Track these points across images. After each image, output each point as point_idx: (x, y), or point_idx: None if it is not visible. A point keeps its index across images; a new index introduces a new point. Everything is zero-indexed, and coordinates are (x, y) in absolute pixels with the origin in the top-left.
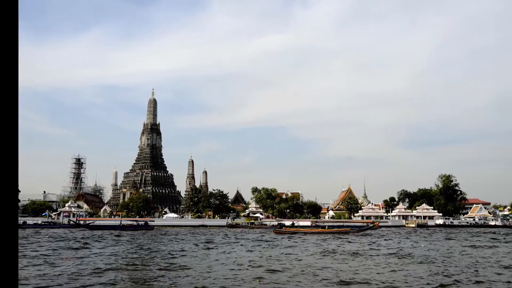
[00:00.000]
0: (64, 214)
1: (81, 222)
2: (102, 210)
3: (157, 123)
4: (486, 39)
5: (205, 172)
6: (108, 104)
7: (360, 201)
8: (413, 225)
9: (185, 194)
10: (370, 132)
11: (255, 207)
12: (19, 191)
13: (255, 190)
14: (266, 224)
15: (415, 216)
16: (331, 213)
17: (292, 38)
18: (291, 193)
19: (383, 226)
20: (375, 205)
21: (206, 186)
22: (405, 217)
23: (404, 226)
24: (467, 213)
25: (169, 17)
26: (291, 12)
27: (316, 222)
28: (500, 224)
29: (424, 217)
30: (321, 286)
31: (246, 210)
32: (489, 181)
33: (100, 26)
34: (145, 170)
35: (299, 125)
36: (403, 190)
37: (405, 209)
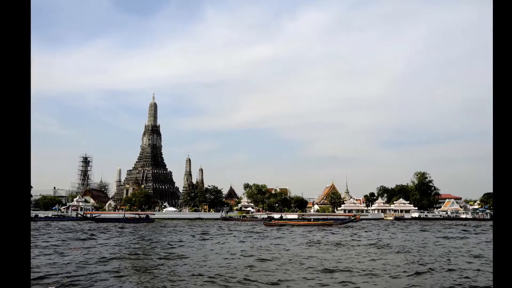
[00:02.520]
0: (72, 208)
1: (88, 215)
2: (107, 204)
3: (157, 125)
4: (455, 49)
5: (201, 170)
6: (112, 108)
7: (342, 196)
8: (391, 218)
9: (183, 190)
10: (352, 133)
11: (247, 202)
12: (31, 187)
13: (246, 186)
14: (257, 217)
15: (393, 210)
16: (316, 207)
17: (281, 48)
18: (280, 188)
19: (363, 219)
20: (356, 200)
21: (202, 182)
22: (383, 211)
23: (383, 219)
24: (440, 207)
25: (168, 28)
26: (280, 24)
27: (303, 215)
28: (471, 217)
29: (401, 211)
30: (307, 274)
31: (239, 204)
32: (460, 177)
33: (105, 37)
34: (147, 168)
35: (287, 127)
36: (382, 186)
37: (383, 203)
